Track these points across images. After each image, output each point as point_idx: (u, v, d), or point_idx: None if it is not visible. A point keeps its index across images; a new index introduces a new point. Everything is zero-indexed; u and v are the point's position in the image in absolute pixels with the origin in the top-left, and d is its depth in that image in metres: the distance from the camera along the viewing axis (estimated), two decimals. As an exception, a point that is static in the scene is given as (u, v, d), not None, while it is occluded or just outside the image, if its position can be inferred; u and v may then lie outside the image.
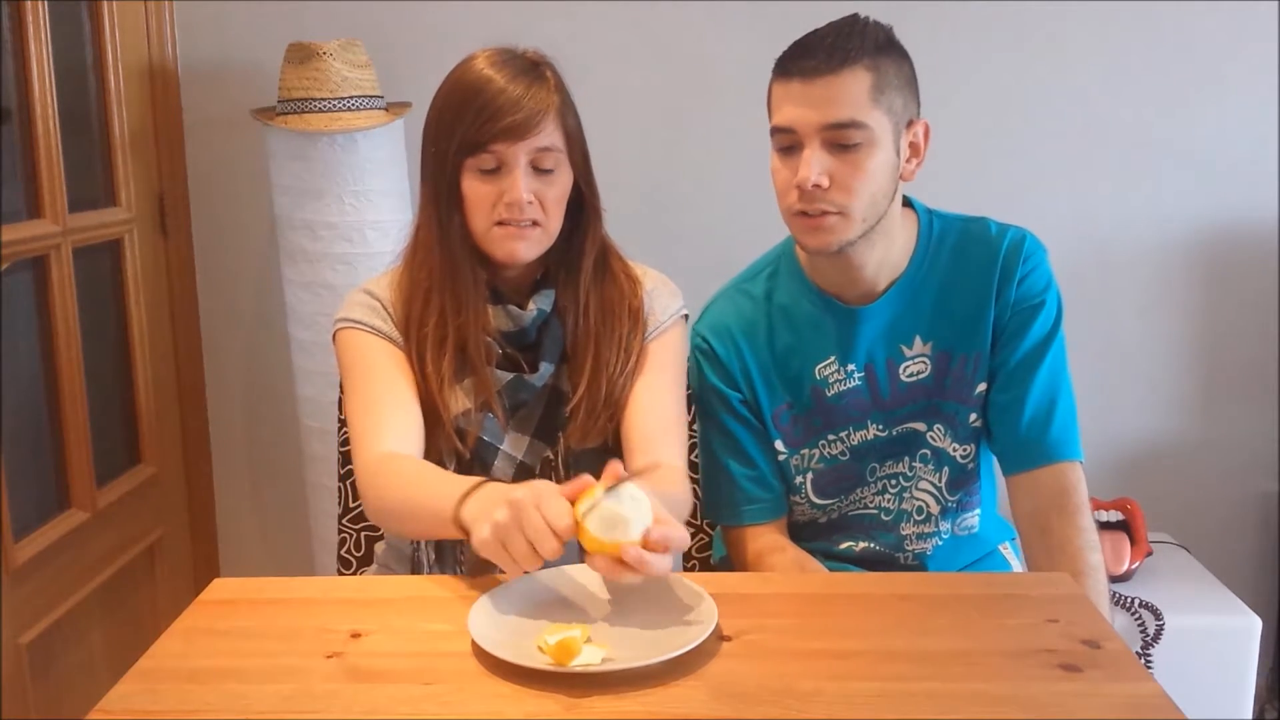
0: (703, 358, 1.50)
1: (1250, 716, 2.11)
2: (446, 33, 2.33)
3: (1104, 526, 2.21)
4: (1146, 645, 2.03)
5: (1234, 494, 2.48)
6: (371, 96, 2.14)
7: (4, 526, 1.78)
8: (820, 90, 1.29)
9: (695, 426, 1.56)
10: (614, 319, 1.39)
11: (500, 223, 1.32)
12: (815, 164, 1.30)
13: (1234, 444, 2.46)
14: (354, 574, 1.62)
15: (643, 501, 1.06)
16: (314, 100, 2.08)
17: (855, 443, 1.47)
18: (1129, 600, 2.07)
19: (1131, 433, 2.47)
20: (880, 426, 1.46)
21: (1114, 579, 2.15)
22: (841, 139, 1.30)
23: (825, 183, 1.30)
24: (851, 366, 1.44)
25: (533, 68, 1.34)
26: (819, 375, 1.45)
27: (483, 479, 1.18)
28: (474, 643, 1.04)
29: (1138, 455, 2.47)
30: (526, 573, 1.09)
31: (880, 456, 1.48)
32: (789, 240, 1.48)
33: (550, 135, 1.32)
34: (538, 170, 1.32)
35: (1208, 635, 2.07)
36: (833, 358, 1.45)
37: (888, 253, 1.41)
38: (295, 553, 2.55)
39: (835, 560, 1.54)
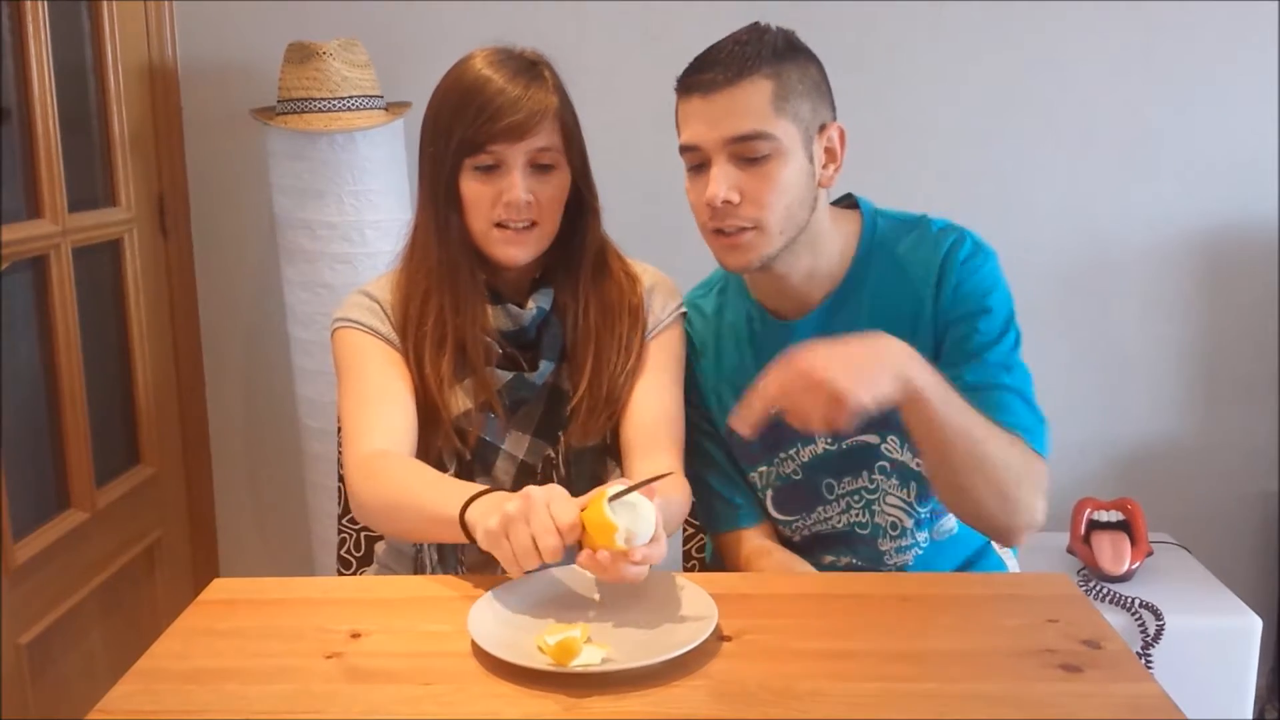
0: None
1: (1250, 716, 2.11)
2: (446, 33, 2.33)
3: (1104, 526, 2.22)
4: (1146, 645, 2.03)
5: (1234, 494, 2.48)
6: (371, 96, 2.14)
7: (4, 526, 1.78)
8: (720, 104, 1.26)
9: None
10: (613, 317, 1.39)
11: (499, 225, 1.32)
12: (722, 180, 1.27)
13: (1234, 444, 2.46)
14: (354, 574, 1.62)
15: (649, 516, 1.07)
16: (314, 100, 2.08)
17: (806, 459, 1.44)
18: (1129, 600, 2.07)
19: (1131, 433, 2.47)
20: (828, 441, 1.43)
21: (1114, 579, 2.15)
22: (747, 152, 1.27)
23: (735, 198, 1.27)
24: None
25: (531, 67, 1.34)
26: None
27: (489, 488, 1.17)
28: (474, 643, 1.04)
29: (1138, 455, 2.47)
30: (526, 572, 1.09)
31: (835, 472, 1.45)
32: None
33: (548, 135, 1.32)
34: (536, 169, 1.32)
35: (1208, 635, 2.07)
36: None
37: (817, 262, 1.37)
38: (295, 553, 2.55)
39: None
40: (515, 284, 1.40)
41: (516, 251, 1.33)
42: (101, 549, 2.12)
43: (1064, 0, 2.31)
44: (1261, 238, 2.38)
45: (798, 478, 1.46)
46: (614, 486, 1.08)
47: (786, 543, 1.52)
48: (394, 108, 2.21)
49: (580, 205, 1.40)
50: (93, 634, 2.09)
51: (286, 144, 2.14)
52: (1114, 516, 2.23)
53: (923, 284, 1.36)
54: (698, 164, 1.32)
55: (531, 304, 1.37)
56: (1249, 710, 2.09)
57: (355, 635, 1.09)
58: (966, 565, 1.57)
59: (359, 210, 2.13)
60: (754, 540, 1.47)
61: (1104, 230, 2.39)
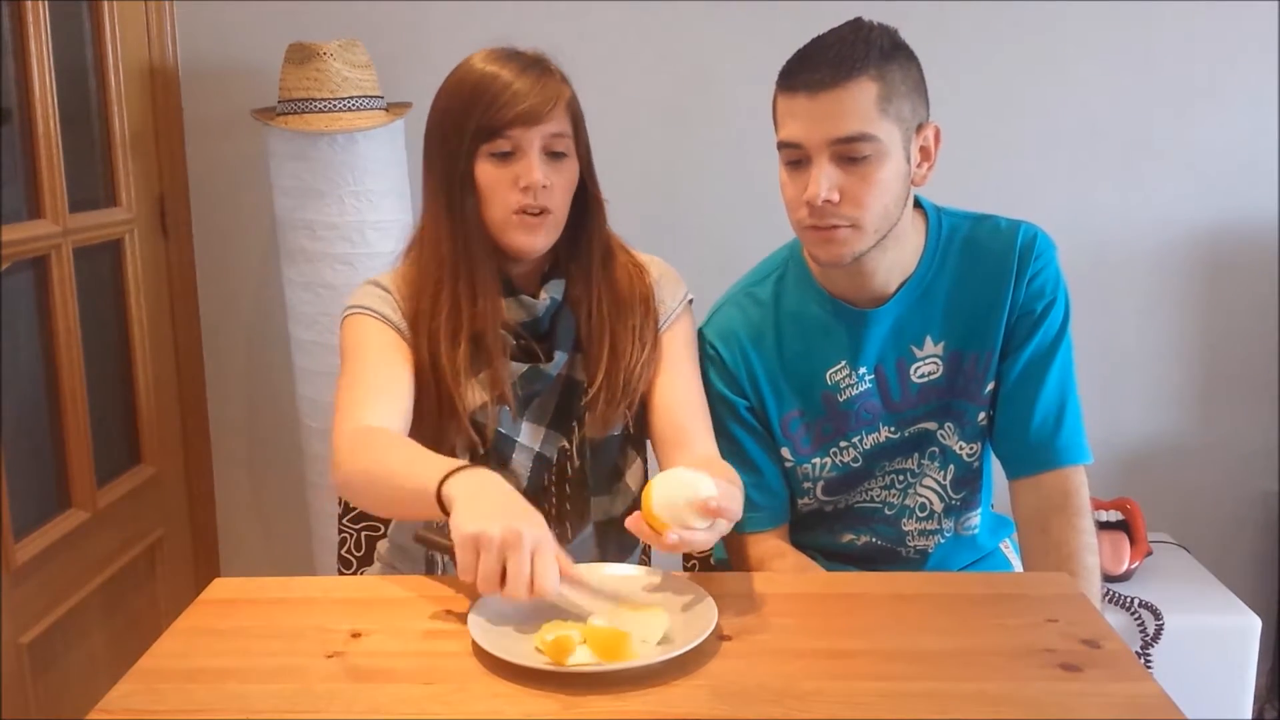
0: (709, 364, 1.48)
1: (1250, 716, 2.11)
2: (446, 33, 2.33)
3: (1104, 526, 2.21)
4: (1146, 645, 2.03)
5: (1234, 494, 2.48)
6: (372, 96, 2.14)
7: (4, 526, 1.78)
8: (826, 104, 1.26)
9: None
10: (626, 308, 1.40)
11: (518, 212, 1.32)
12: (824, 180, 1.28)
13: (1234, 444, 2.46)
14: (354, 574, 1.62)
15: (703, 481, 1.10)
16: (314, 100, 2.09)
17: (867, 447, 1.46)
18: (1129, 600, 2.07)
19: (1131, 433, 2.47)
20: (892, 429, 1.46)
21: (1114, 579, 2.15)
22: (850, 152, 1.27)
23: (835, 198, 1.28)
24: (863, 369, 1.43)
25: (537, 62, 1.35)
26: (830, 380, 1.44)
27: (466, 463, 1.16)
28: (474, 642, 1.04)
29: (1138, 455, 2.47)
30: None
31: (890, 455, 1.48)
32: (796, 243, 1.47)
33: (561, 122, 1.33)
34: (549, 156, 1.33)
35: (1207, 635, 2.07)
36: (843, 362, 1.44)
37: (899, 256, 1.40)
38: (295, 553, 2.56)
39: (836, 560, 1.54)
40: (527, 276, 1.40)
41: (533, 239, 1.34)
42: (102, 549, 2.12)
43: (1064, 0, 2.31)
44: (1261, 238, 2.38)
45: (857, 465, 1.47)
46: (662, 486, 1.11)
47: (814, 515, 1.54)
48: (394, 108, 2.21)
49: (586, 198, 1.41)
50: (94, 634, 2.09)
51: (287, 144, 2.14)
52: (1113, 516, 2.23)
53: (1001, 275, 1.41)
54: (796, 161, 1.31)
55: (545, 294, 1.38)
56: (1248, 710, 2.09)
57: (356, 635, 1.10)
58: (975, 564, 1.58)
59: (360, 211, 2.13)
60: (768, 542, 1.47)
61: (1104, 231, 2.39)
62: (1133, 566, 2.16)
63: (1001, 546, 1.63)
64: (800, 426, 1.47)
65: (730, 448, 1.47)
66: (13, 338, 1.89)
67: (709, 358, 1.48)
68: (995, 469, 1.52)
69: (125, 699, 0.99)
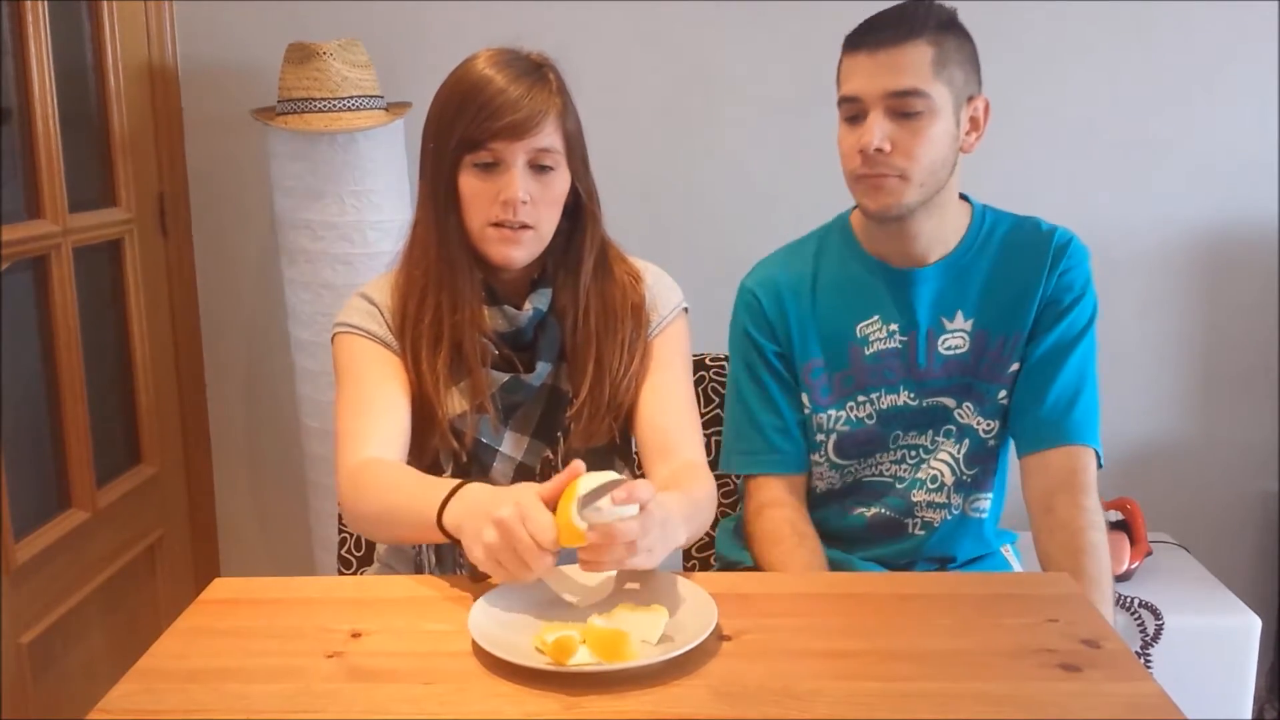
0: (745, 309, 1.55)
1: (1250, 716, 2.11)
2: (446, 33, 2.33)
3: (1104, 526, 2.22)
4: (1146, 645, 2.03)
5: (1234, 494, 2.48)
6: (371, 96, 2.14)
7: (4, 526, 1.78)
8: (885, 60, 1.37)
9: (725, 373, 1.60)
10: (615, 320, 1.39)
11: (495, 224, 1.32)
12: (878, 130, 1.37)
13: (1234, 444, 2.46)
14: (354, 574, 1.63)
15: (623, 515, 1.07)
16: (314, 100, 2.09)
17: (884, 407, 1.50)
18: (1129, 600, 2.07)
19: (1131, 433, 2.47)
20: (911, 394, 1.50)
21: (1114, 579, 2.14)
22: (904, 107, 1.37)
23: (887, 147, 1.37)
24: (894, 326, 1.49)
25: (535, 69, 1.34)
26: (859, 333, 1.50)
27: (460, 481, 1.17)
28: (474, 642, 1.04)
29: (1138, 455, 2.47)
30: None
31: (905, 426, 1.51)
32: (839, 218, 1.56)
33: (550, 136, 1.32)
34: (535, 170, 1.32)
35: (1207, 635, 2.07)
36: (876, 316, 1.49)
37: (941, 226, 1.47)
38: (295, 553, 2.56)
39: (843, 540, 1.55)
40: (513, 285, 1.40)
41: (511, 252, 1.33)
42: (102, 548, 2.12)
43: (1065, 1, 2.31)
44: (1261, 238, 2.38)
45: (870, 423, 1.51)
46: (585, 483, 1.08)
47: (826, 493, 1.56)
48: (394, 108, 2.21)
49: (580, 208, 1.40)
50: (94, 634, 2.09)
51: (287, 144, 2.14)
52: (1113, 516, 2.23)
53: (1035, 266, 1.48)
54: (854, 115, 1.41)
55: (528, 305, 1.37)
56: (1248, 710, 2.09)
57: (356, 635, 1.10)
58: (976, 564, 1.58)
59: (359, 210, 2.13)
60: (773, 490, 1.52)
61: (1104, 230, 2.39)
62: (1133, 566, 2.16)
63: (1002, 550, 1.63)
64: (822, 375, 1.51)
65: (756, 390, 1.53)
66: (13, 338, 1.89)
67: (746, 305, 1.55)
68: (1011, 485, 1.53)
69: (125, 699, 0.99)
